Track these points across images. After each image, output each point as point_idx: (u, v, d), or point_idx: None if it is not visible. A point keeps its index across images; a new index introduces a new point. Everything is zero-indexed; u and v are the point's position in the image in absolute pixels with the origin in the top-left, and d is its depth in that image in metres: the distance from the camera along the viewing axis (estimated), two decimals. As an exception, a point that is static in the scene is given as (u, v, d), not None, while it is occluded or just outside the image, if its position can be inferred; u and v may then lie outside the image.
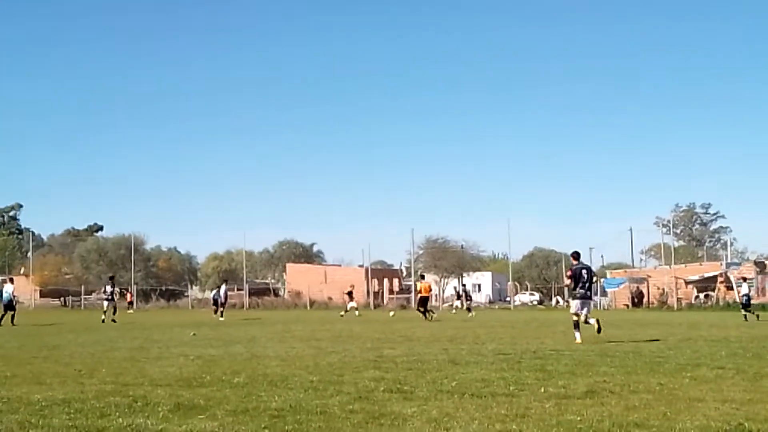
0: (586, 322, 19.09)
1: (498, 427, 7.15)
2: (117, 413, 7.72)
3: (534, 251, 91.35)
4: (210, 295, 56.10)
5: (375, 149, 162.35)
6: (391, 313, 44.27)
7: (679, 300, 61.73)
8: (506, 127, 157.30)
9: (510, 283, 78.00)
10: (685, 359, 13.62)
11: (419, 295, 37.45)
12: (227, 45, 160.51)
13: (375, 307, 67.60)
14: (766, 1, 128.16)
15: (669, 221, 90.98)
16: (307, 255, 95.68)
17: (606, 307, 66.42)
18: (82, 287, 77.20)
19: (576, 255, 20.00)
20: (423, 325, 30.08)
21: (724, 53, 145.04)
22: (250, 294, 74.31)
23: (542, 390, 9.47)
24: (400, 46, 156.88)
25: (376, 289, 77.36)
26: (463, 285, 49.34)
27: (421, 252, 79.28)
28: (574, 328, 18.76)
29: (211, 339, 21.02)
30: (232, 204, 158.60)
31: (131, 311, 56.41)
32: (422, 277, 43.77)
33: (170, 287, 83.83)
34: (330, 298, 72.67)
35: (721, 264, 67.19)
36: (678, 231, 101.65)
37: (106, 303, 35.96)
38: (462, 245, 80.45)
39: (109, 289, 36.65)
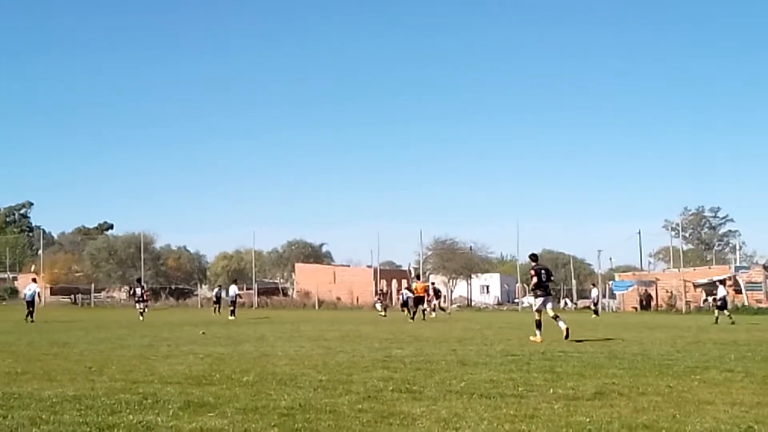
0: (555, 317, 20.19)
1: (507, 428, 7.16)
2: (127, 410, 7.76)
3: (542, 253, 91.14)
4: (214, 293, 56.34)
5: (384, 150, 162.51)
6: (382, 313, 44.20)
7: (687, 303, 61.60)
8: (515, 129, 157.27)
9: (518, 284, 77.94)
10: (694, 362, 13.60)
11: (414, 294, 38.31)
12: (237, 43, 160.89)
13: (385, 308, 67.55)
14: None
15: (678, 224, 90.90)
16: (316, 255, 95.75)
17: (614, 310, 66.34)
18: (92, 285, 77.41)
19: (534, 257, 22.06)
20: (432, 326, 30.07)
21: (736, 55, 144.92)
22: (259, 293, 74.42)
23: (551, 391, 9.48)
24: (411, 46, 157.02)
25: (385, 290, 77.36)
26: (432, 283, 48.72)
27: (429, 253, 79.32)
28: (537, 327, 19.84)
29: (221, 338, 21.07)
30: (242, 203, 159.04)
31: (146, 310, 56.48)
32: (417, 277, 43.80)
33: (179, 286, 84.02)
34: (338, 299, 72.78)
35: (730, 267, 67.03)
36: (687, 234, 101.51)
37: (140, 304, 38.23)
38: (471, 246, 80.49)
39: (139, 291, 39.47)
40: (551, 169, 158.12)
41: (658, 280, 68.93)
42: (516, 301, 76.95)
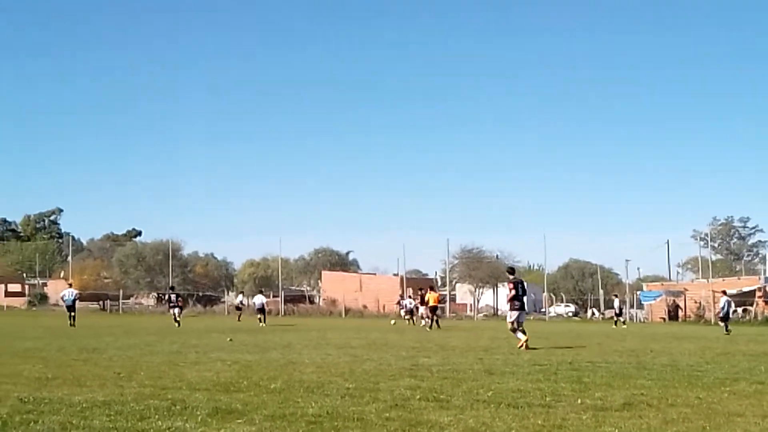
0: (516, 330, 20.90)
1: (535, 438, 7.15)
2: (156, 416, 7.81)
3: (569, 263, 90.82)
4: (237, 301, 56.65)
5: (412, 158, 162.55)
6: (393, 322, 44.20)
7: (716, 314, 61.03)
8: (543, 137, 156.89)
9: (545, 294, 77.61)
10: (724, 373, 13.49)
11: (429, 304, 39.21)
12: (263, 48, 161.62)
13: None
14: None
15: (707, 234, 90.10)
16: (342, 263, 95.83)
17: (642, 320, 65.86)
18: (121, 292, 77.93)
19: (512, 270, 23.00)
20: (457, 334, 30.01)
21: (764, 65, 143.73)
22: (286, 301, 74.58)
23: (579, 401, 9.44)
24: (438, 53, 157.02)
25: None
26: (420, 289, 48.21)
27: (456, 262, 79.19)
28: (513, 333, 20.93)
29: (248, 345, 21.14)
30: (269, 211, 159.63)
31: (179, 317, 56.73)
32: (431, 288, 43.82)
33: (207, 293, 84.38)
34: (365, 306, 72.76)
35: (760, 278, 66.35)
36: (716, 244, 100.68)
37: (176, 310, 38.92)
38: (497, 255, 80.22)
39: (173, 297, 40.29)
40: (579, 178, 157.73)
41: (686, 290, 68.36)
42: (543, 310, 76.60)
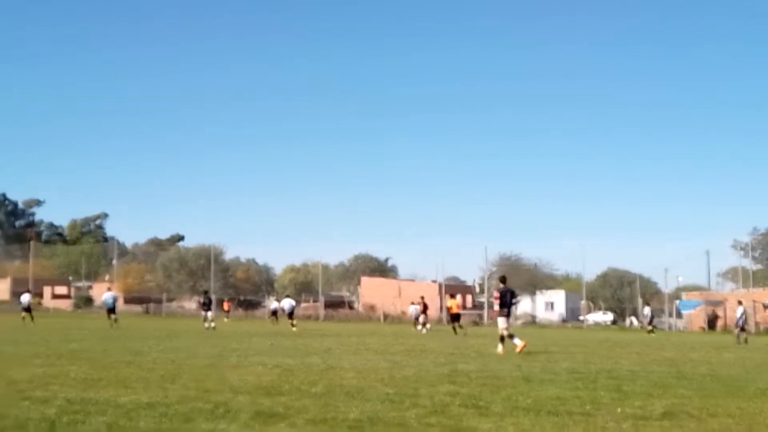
0: (510, 336, 21.50)
1: (573, 445, 7.18)
2: (200, 418, 7.95)
3: (608, 271, 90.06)
4: (272, 306, 56.80)
5: (451, 165, 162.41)
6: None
7: (756, 324, 60.18)
8: (581, 146, 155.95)
9: (583, 302, 77.10)
10: (765, 384, 13.38)
11: (450, 311, 40.34)
12: (299, 53, 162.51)
13: (448, 323, 67.40)
14: None
15: (747, 244, 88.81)
16: (381, 269, 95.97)
17: (681, 330, 65.16)
18: (164, 295, 78.73)
19: (503, 279, 23.17)
20: (495, 342, 29.91)
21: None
22: (325, 306, 74.83)
23: (619, 410, 9.43)
24: (476, 60, 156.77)
25: (449, 305, 77.13)
26: (421, 297, 47.91)
27: (494, 269, 78.99)
28: (501, 341, 21.51)
29: (288, 349, 21.30)
30: (310, 217, 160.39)
31: (227, 320, 57.01)
32: (452, 296, 43.76)
33: (248, 298, 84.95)
34: (403, 312, 72.71)
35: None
36: (756, 254, 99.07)
37: (209, 314, 39.67)
38: (535, 263, 79.95)
39: (207, 301, 41.12)
40: (618, 186, 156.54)
41: (726, 300, 67.53)
42: (581, 318, 76.09)
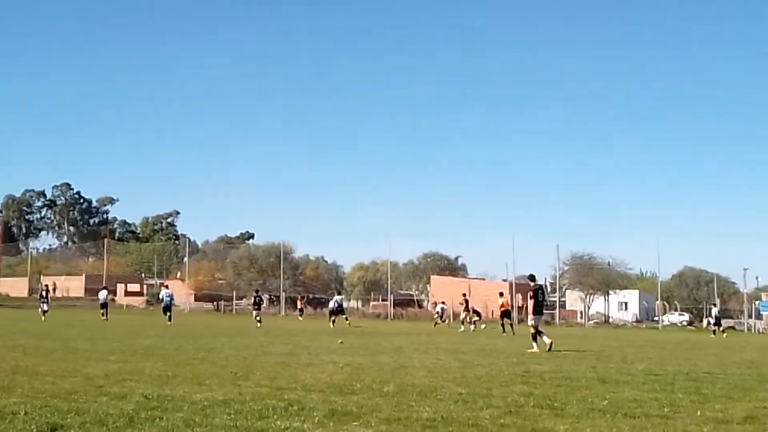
0: (535, 336, 21.88)
1: (653, 449, 7.01)
2: (274, 416, 7.96)
3: (684, 270, 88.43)
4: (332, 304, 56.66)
5: (522, 162, 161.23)
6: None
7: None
8: (656, 141, 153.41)
9: (658, 302, 75.76)
10: None
11: (500, 309, 40.40)
12: (368, 49, 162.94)
13: (519, 323, 66.89)
14: None
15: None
16: (451, 267, 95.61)
17: (761, 331, 63.64)
18: (234, 293, 79.60)
19: (532, 277, 23.67)
20: (568, 341, 29.61)
21: None
22: (394, 305, 74.85)
23: (698, 413, 9.19)
24: (544, 57, 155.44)
25: (521, 304, 76.58)
26: (463, 294, 48.66)
27: (566, 268, 78.11)
28: (533, 339, 21.76)
29: (358, 348, 21.32)
30: (379, 215, 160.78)
31: (301, 318, 57.31)
32: (501, 294, 43.51)
33: (317, 295, 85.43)
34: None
35: None
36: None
37: (255, 312, 41.76)
38: (609, 262, 78.74)
39: (257, 300, 43.62)
40: (694, 181, 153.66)
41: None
42: (656, 318, 74.82)
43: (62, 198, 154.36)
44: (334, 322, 42.71)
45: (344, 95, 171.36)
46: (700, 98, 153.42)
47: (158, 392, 9.57)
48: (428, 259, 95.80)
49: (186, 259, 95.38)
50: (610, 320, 75.42)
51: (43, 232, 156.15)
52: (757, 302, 69.33)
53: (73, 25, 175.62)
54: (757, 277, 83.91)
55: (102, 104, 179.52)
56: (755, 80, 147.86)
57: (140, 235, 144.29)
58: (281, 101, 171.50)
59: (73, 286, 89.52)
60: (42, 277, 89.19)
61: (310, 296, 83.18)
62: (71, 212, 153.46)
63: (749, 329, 63.38)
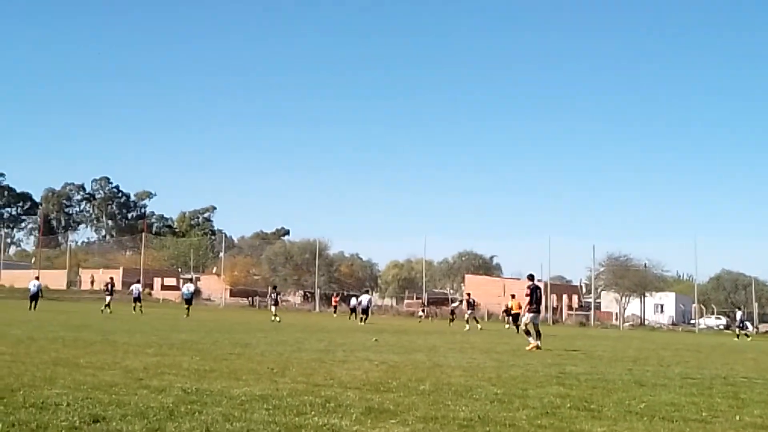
0: (527, 333, 22.54)
1: (692, 453, 6.97)
2: (312, 412, 8.01)
3: (722, 273, 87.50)
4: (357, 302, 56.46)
5: (558, 163, 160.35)
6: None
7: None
8: (693, 142, 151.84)
9: (695, 305, 75.06)
10: None
11: (512, 311, 41.13)
12: (409, 51, 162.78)
13: (554, 323, 66.66)
14: None
15: None
16: (486, 267, 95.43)
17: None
18: (269, 288, 79.95)
19: (531, 276, 23.87)
20: (604, 343, 29.45)
21: None
22: (428, 303, 74.84)
23: (737, 418, 9.11)
24: (579, 59, 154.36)
25: (555, 305, 76.30)
26: (468, 294, 48.08)
27: (602, 269, 77.64)
28: (526, 333, 22.52)
29: (393, 346, 21.35)
30: (415, 213, 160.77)
31: (336, 315, 57.31)
32: (513, 296, 43.44)
33: (351, 293, 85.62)
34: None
35: None
36: None
37: (273, 307, 44.14)
38: (645, 264, 78.15)
39: (273, 295, 45.92)
40: (733, 184, 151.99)
41: None
42: (692, 321, 74.12)
43: (101, 192, 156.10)
44: (362, 319, 42.92)
45: (382, 95, 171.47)
46: (742, 98, 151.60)
47: (197, 386, 9.66)
48: (463, 258, 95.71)
49: (222, 254, 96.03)
50: (646, 322, 74.87)
51: (82, 226, 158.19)
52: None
53: (114, 21, 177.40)
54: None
55: (142, 100, 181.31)
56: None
57: (177, 230, 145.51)
58: (319, 99, 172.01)
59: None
60: (92, 270, 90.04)
61: (345, 293, 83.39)
62: (110, 206, 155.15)
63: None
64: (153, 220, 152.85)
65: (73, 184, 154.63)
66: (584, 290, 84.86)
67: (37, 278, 47.30)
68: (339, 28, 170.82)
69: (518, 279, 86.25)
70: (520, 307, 41.21)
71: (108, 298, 44.04)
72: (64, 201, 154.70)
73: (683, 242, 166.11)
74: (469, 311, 44.32)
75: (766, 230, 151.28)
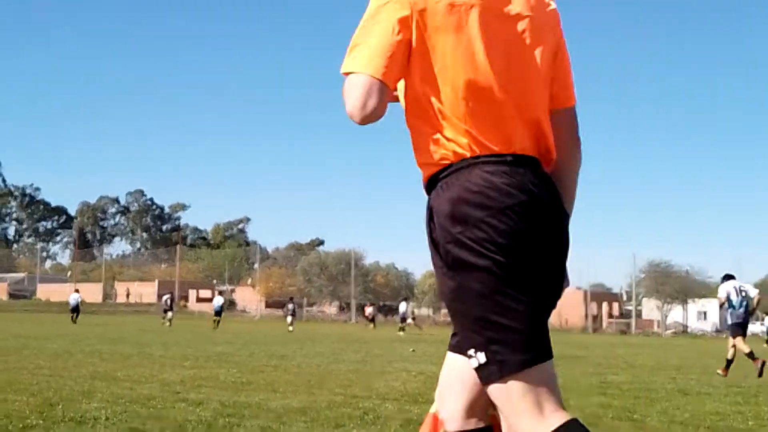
0: None
1: (742, 465, 6.78)
2: (351, 425, 7.90)
3: (766, 278, 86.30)
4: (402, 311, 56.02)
5: (597, 169, 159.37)
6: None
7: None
8: (737, 148, 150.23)
9: (740, 312, 74.11)
10: None
11: None
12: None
13: (593, 331, 66.15)
14: None
15: None
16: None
17: None
18: (305, 299, 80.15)
19: None
20: (645, 351, 29.11)
21: None
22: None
23: (786, 427, 8.90)
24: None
25: (595, 313, 75.66)
26: None
27: (642, 276, 76.93)
28: None
29: (431, 356, 21.20)
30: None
31: (372, 327, 57.07)
32: None
33: (387, 303, 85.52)
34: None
35: None
36: None
37: (290, 318, 46.02)
38: (687, 270, 77.35)
39: (290, 306, 48.26)
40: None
41: None
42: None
43: (135, 204, 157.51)
44: (402, 329, 43.02)
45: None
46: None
47: (234, 399, 9.59)
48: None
49: (256, 265, 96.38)
50: (689, 330, 74.03)
51: (116, 238, 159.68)
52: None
53: (145, 34, 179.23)
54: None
55: (174, 113, 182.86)
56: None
57: (211, 242, 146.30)
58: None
59: (145, 291, 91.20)
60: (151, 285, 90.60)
61: (381, 304, 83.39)
62: (144, 218, 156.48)
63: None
64: (187, 232, 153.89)
65: (107, 197, 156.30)
66: (625, 298, 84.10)
67: (77, 291, 49.24)
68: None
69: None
70: None
71: (170, 313, 46.23)
72: (99, 214, 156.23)
73: (726, 247, 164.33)
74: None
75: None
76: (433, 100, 2.58)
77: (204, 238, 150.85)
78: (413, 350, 23.55)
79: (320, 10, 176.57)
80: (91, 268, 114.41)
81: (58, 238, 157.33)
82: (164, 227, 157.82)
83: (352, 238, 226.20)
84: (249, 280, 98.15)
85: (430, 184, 2.74)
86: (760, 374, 16.59)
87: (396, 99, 2.77)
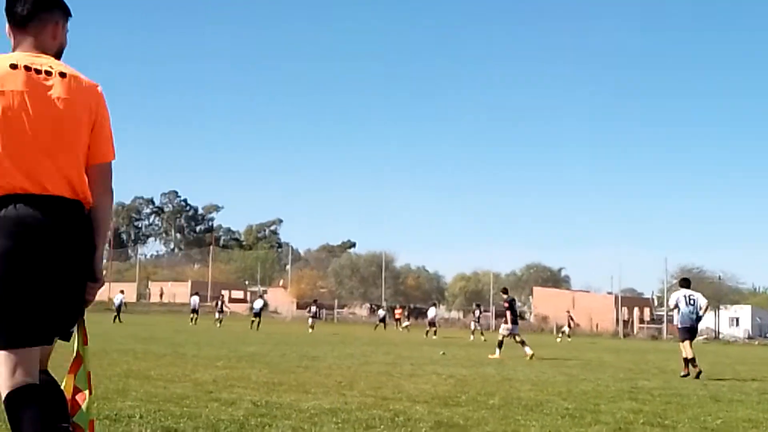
0: (522, 342, 23.68)
1: (773, 472, 6.76)
2: (381, 426, 7.95)
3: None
4: (431, 316, 55.76)
5: (628, 173, 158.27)
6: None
7: None
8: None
9: (774, 318, 73.36)
10: None
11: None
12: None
13: (624, 336, 65.72)
14: None
15: None
16: (554, 279, 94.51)
17: None
18: (336, 301, 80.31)
19: (505, 290, 27.23)
20: (677, 357, 28.83)
21: None
22: (496, 316, 74.37)
23: (819, 435, 8.84)
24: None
25: (626, 318, 75.17)
26: (478, 304, 49.51)
27: (674, 281, 76.23)
28: (498, 346, 23.39)
29: (461, 359, 21.24)
30: (481, 224, 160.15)
31: (405, 330, 57.25)
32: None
33: (417, 305, 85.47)
34: (577, 325, 71.44)
35: None
36: None
37: (311, 320, 47.60)
38: (719, 276, 76.64)
39: (313, 309, 49.90)
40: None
41: None
42: (768, 335, 72.42)
43: (170, 205, 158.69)
44: (434, 332, 43.23)
45: (449, 106, 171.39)
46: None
47: (266, 399, 9.69)
48: (531, 270, 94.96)
49: (288, 266, 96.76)
50: (721, 336, 73.32)
51: (150, 239, 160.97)
52: None
53: (182, 35, 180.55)
54: None
55: (209, 114, 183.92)
56: None
57: (244, 243, 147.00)
58: (383, 111, 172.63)
59: (179, 292, 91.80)
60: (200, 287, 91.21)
61: (411, 306, 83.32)
62: (178, 219, 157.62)
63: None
64: (220, 233, 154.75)
65: (142, 197, 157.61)
66: (656, 303, 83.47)
67: (122, 292, 53.12)
68: (414, 46, 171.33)
69: (587, 292, 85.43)
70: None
71: (218, 314, 50.06)
72: (134, 215, 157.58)
73: (759, 253, 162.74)
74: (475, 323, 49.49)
75: None
76: None
77: (237, 240, 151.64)
78: (443, 353, 23.58)
79: (355, 17, 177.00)
80: (126, 268, 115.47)
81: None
82: (198, 228, 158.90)
83: (384, 240, 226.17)
84: (281, 282, 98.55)
85: None
86: (698, 376, 17.38)
87: None
